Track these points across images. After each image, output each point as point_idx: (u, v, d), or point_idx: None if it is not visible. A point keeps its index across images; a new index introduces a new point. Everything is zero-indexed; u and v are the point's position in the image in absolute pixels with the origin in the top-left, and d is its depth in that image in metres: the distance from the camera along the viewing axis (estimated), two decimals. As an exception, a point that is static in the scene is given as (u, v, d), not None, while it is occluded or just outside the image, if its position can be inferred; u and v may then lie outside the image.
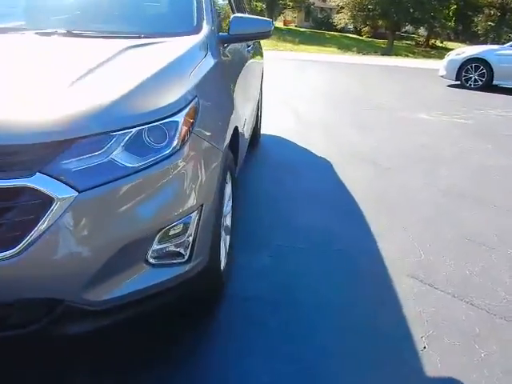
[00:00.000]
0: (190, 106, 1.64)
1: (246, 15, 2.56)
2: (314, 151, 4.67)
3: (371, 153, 4.76)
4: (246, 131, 3.01)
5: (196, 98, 1.70)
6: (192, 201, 1.60)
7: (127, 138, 1.47)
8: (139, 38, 2.12)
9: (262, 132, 5.13)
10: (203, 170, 1.66)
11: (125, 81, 1.60)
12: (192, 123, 1.63)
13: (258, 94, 4.20)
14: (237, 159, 2.50)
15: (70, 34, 2.16)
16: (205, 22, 2.34)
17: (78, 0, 2.56)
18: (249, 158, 4.35)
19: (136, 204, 1.48)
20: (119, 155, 1.45)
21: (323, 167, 4.23)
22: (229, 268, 2.32)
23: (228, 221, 2.37)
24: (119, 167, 1.44)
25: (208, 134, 1.73)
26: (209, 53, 2.14)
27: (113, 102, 1.48)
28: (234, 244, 2.54)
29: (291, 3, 39.54)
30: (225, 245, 2.26)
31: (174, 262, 1.62)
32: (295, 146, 4.87)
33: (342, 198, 3.53)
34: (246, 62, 3.08)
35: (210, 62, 2.07)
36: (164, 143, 1.54)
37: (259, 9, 42.43)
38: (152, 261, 1.56)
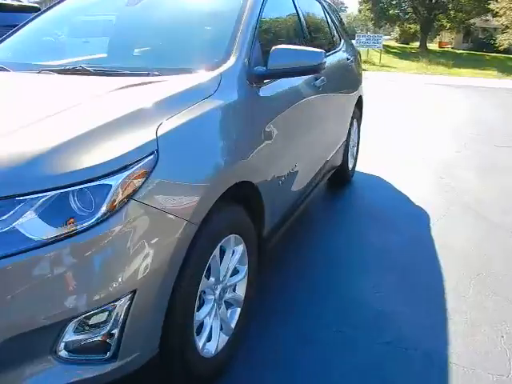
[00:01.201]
0: (138, 166, 1.32)
1: (291, 46, 2.14)
2: (414, 197, 3.97)
3: (490, 206, 3.87)
4: (296, 181, 2.57)
5: (154, 155, 1.37)
6: (119, 285, 1.26)
7: (41, 203, 1.20)
8: (146, 75, 1.87)
9: (361, 169, 4.60)
10: (145, 246, 1.31)
11: (65, 132, 1.34)
12: (137, 187, 1.31)
13: (342, 131, 3.69)
14: (262, 216, 2.10)
15: (71, 71, 2.01)
16: (232, 55, 2.01)
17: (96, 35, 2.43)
18: (333, 200, 3.91)
19: (39, 286, 1.20)
20: (27, 224, 1.19)
21: (418, 219, 3.53)
22: (231, 352, 1.93)
23: (239, 291, 1.99)
24: (22, 239, 1.18)
25: (165, 199, 1.38)
26: (219, 93, 1.79)
27: (28, 159, 1.22)
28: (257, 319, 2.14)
29: (448, 24, 36.95)
30: (225, 323, 1.88)
31: (94, 358, 1.30)
32: (394, 188, 4.21)
33: (425, 266, 2.84)
34: (309, 97, 2.64)
35: (213, 104, 1.72)
36: (90, 211, 1.24)
37: (412, 31, 40.77)
38: (64, 354, 1.26)
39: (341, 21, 4.29)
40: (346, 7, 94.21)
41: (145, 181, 1.33)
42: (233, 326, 1.95)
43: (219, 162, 1.63)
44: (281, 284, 2.58)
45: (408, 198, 3.97)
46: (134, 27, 2.37)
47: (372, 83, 14.96)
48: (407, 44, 40.40)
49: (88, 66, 2.00)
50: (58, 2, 2.64)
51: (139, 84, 1.75)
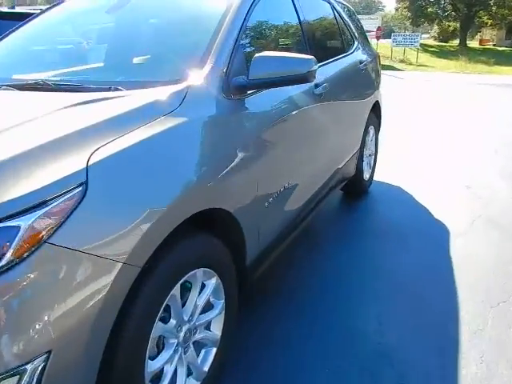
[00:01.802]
0: (58, 201, 1.12)
1: (275, 53, 1.91)
2: (435, 210, 3.64)
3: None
4: (291, 199, 2.32)
5: (82, 187, 1.17)
6: (29, 345, 1.07)
7: None
8: (107, 90, 1.68)
9: (382, 178, 4.31)
10: (63, 298, 1.11)
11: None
12: (56, 227, 1.11)
13: (353, 140, 3.42)
14: (242, 245, 1.88)
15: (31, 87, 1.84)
16: (206, 65, 1.80)
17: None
18: (346, 213, 3.67)
19: None
20: None
21: (436, 237, 3.21)
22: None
23: (215, 329, 1.79)
24: None
25: (94, 240, 1.17)
26: (182, 108, 1.58)
27: None
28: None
29: (489, 21, 35.48)
30: (195, 367, 1.68)
31: (3, 430, 1.11)
32: (413, 200, 3.88)
33: (439, 294, 2.53)
34: (306, 106, 2.40)
35: (172, 121, 1.51)
36: (-6, 258, 1.06)
37: (451, 29, 39.51)
38: (-33, 426, 1.08)
39: (356, 21, 4.01)
40: (383, 6, 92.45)
41: (66, 219, 1.13)
42: (206, 368, 1.74)
43: (173, 189, 1.41)
44: (275, 308, 2.35)
45: (428, 211, 3.64)
46: (105, 37, 2.20)
47: (406, 83, 14.46)
48: (446, 42, 39.08)
49: (50, 81, 1.84)
50: (39, 14, 2.51)
51: (92, 101, 1.56)
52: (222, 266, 1.75)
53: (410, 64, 24.08)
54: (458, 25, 37.11)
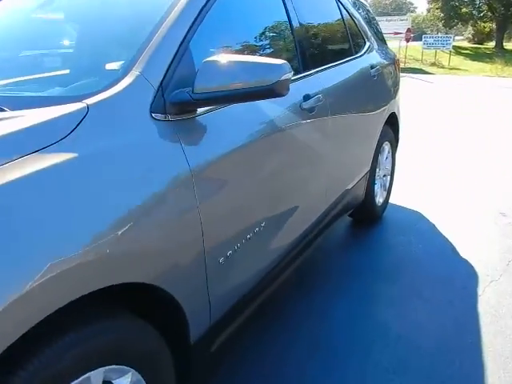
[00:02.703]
0: None
1: (231, 57, 1.39)
2: (461, 247, 3.02)
3: None
4: (265, 247, 1.81)
5: None
6: None
7: None
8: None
9: (399, 201, 3.73)
10: None
11: None
12: None
13: (361, 161, 2.85)
14: (183, 320, 1.37)
15: None
16: (129, 75, 1.30)
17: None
18: (351, 247, 3.10)
19: None
20: None
21: (462, 283, 2.60)
22: None
23: None
24: None
25: None
26: (75, 138, 1.08)
27: None
28: None
29: (528, 21, 33.87)
30: None
31: None
32: (435, 230, 3.28)
33: (464, 370, 1.95)
34: (288, 125, 1.86)
35: (50, 159, 1.00)
36: None
37: (487, 30, 38.03)
38: None
39: (370, 19, 3.44)
40: (415, 7, 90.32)
41: None
42: None
43: (40, 264, 0.90)
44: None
45: (452, 246, 3.04)
46: (11, 41, 1.71)
47: (435, 87, 13.64)
48: (481, 44, 37.55)
49: None
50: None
51: None
52: (143, 357, 1.23)
53: (442, 67, 23.05)
54: (494, 26, 35.60)
